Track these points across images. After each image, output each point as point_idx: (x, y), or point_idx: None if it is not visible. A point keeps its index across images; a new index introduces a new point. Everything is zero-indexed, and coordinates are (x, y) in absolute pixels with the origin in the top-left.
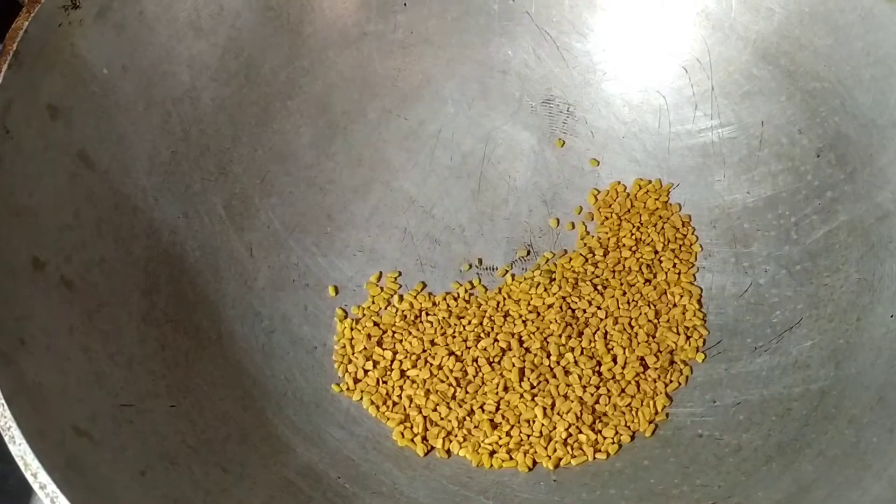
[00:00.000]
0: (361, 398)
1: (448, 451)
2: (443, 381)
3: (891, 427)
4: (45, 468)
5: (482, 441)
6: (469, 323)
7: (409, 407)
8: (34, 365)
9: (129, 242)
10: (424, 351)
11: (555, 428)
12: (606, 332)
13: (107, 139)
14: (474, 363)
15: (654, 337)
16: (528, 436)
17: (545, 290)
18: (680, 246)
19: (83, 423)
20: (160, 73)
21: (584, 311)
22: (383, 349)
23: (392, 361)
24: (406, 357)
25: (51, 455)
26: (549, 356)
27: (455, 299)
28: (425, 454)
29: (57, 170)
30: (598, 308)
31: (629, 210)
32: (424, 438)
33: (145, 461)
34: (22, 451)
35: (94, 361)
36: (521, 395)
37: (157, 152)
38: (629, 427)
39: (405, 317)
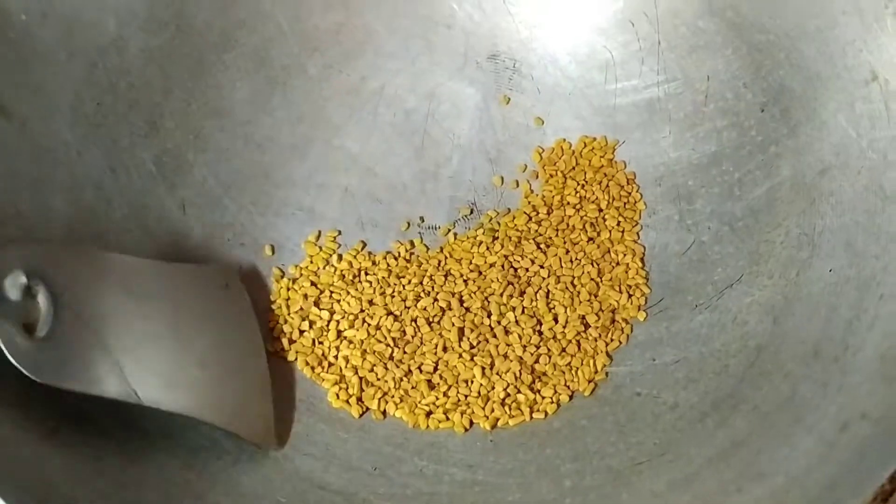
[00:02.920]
0: (296, 359)
1: (384, 413)
2: (380, 342)
3: (824, 381)
4: None
5: (419, 402)
6: (409, 282)
7: (345, 368)
8: None
9: (48, 197)
10: (362, 311)
11: (493, 388)
12: (549, 291)
13: (24, 88)
14: (413, 323)
15: (596, 296)
16: (466, 396)
17: (487, 248)
18: (624, 204)
19: None
20: (84, 22)
21: (527, 269)
22: (320, 309)
23: (329, 322)
24: (343, 317)
25: None
26: (489, 315)
27: (395, 258)
28: (360, 416)
29: None
30: (541, 267)
31: (574, 168)
32: (360, 399)
33: None
34: None
35: None
36: (461, 355)
37: (80, 104)
38: (568, 386)
39: (343, 276)
